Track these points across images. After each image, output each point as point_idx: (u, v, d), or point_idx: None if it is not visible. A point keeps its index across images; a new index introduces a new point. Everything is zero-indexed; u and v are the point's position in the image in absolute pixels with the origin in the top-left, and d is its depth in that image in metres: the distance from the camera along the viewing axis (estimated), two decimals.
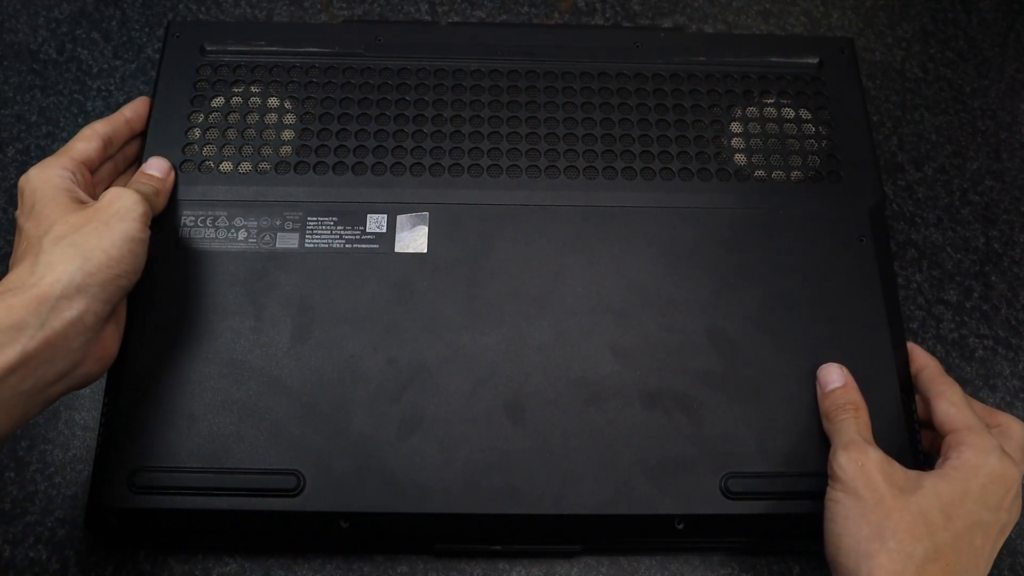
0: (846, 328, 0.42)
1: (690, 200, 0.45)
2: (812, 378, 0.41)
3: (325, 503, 0.38)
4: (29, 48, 0.58)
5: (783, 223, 0.45)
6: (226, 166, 0.45)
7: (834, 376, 0.41)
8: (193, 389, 0.40)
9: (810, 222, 0.45)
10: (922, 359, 0.43)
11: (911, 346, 0.43)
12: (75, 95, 0.56)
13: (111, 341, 0.39)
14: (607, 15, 0.61)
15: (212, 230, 0.43)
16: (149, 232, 0.40)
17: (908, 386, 0.42)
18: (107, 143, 0.44)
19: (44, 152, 0.54)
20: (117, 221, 0.38)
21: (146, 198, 0.41)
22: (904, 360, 0.42)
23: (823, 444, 0.40)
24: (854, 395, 0.40)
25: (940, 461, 0.38)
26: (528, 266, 0.43)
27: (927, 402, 0.41)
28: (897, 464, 0.37)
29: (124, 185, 0.45)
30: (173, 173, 0.44)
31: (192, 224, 0.43)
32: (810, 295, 0.43)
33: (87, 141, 0.43)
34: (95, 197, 0.43)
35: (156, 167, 0.44)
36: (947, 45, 0.62)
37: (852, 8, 0.63)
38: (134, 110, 0.46)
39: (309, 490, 0.38)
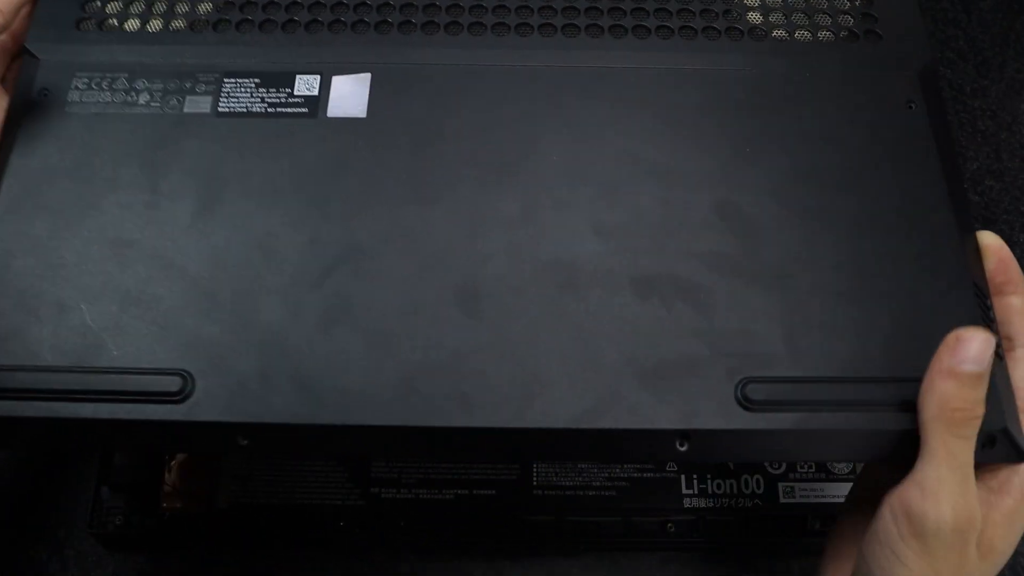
0: (895, 204, 0.34)
1: (693, 60, 0.37)
2: (854, 262, 0.33)
3: (217, 412, 0.30)
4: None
5: (810, 86, 0.37)
6: (132, 24, 0.38)
7: (974, 350, 0.28)
8: (64, 274, 0.33)
9: (844, 86, 0.37)
10: (1008, 271, 0.33)
11: (990, 236, 0.33)
12: None
13: None
14: None
15: (108, 93, 0.36)
16: None
17: (982, 280, 0.33)
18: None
19: None
20: None
21: None
22: (974, 247, 0.34)
23: (875, 345, 0.31)
24: (982, 392, 0.28)
25: None
26: (492, 132, 0.35)
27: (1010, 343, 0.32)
28: None
29: None
30: None
31: (84, 87, 0.36)
32: (847, 167, 0.35)
33: None
34: None
35: None
36: (947, 45, 0.62)
37: None
38: None
39: (199, 395, 0.30)
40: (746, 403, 0.30)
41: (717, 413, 0.30)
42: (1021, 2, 0.64)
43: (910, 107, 0.36)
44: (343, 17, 0.38)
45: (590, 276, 0.33)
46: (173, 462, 0.43)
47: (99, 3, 0.39)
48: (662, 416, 0.30)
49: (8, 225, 0.34)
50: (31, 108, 0.36)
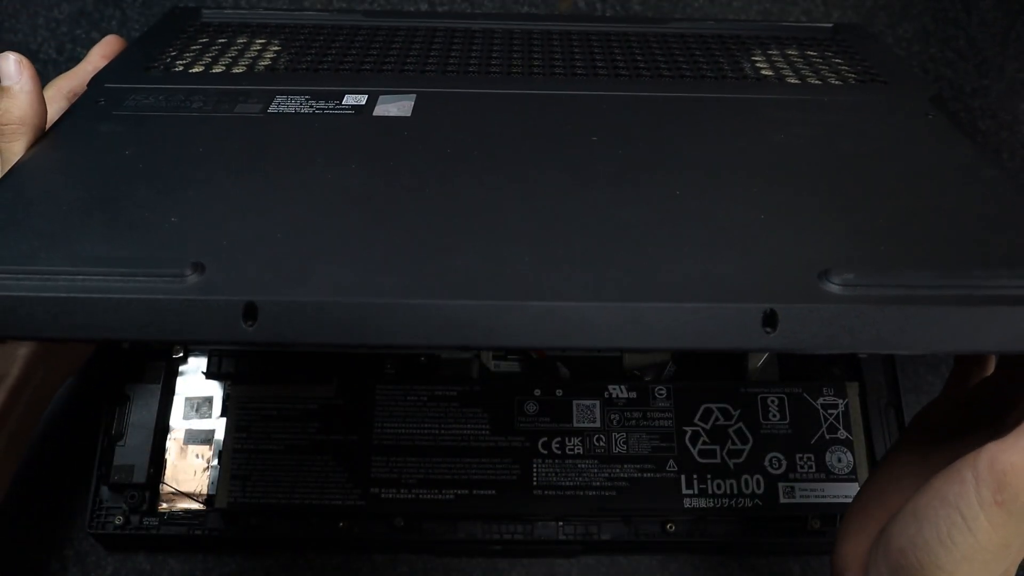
0: (943, 166, 0.34)
1: (716, 91, 0.40)
2: (917, 195, 0.32)
3: (224, 290, 0.27)
4: (29, 48, 0.58)
5: (833, 106, 0.38)
6: (197, 69, 0.41)
7: None
8: (83, 194, 0.31)
9: (863, 109, 0.38)
10: None
11: None
12: None
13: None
14: (607, 15, 0.61)
15: (163, 102, 0.37)
16: None
17: None
18: (72, 100, 0.39)
19: None
20: None
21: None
22: None
23: (958, 245, 0.30)
24: None
25: None
26: (537, 129, 0.36)
27: None
28: None
29: None
30: (26, 62, 0.35)
31: (140, 99, 0.37)
32: (886, 149, 0.35)
33: (53, 104, 0.38)
34: None
35: (4, 74, 0.35)
36: (947, 45, 0.61)
37: (852, 8, 0.63)
38: (104, 53, 0.41)
39: (206, 277, 0.27)
40: (838, 282, 0.27)
41: (807, 292, 0.28)
42: (1022, 2, 0.64)
43: (928, 116, 0.38)
44: (390, 66, 0.41)
45: (647, 205, 0.31)
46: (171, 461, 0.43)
47: (169, 60, 0.41)
48: (743, 292, 0.28)
49: (32, 164, 0.33)
50: (82, 107, 0.36)
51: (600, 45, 0.45)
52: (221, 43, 0.44)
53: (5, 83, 0.34)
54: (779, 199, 0.32)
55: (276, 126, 0.36)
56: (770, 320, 0.27)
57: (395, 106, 0.37)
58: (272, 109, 0.37)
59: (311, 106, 0.37)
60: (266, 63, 0.42)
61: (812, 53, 0.45)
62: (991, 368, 0.33)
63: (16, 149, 0.33)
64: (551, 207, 0.31)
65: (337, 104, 0.37)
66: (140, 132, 0.35)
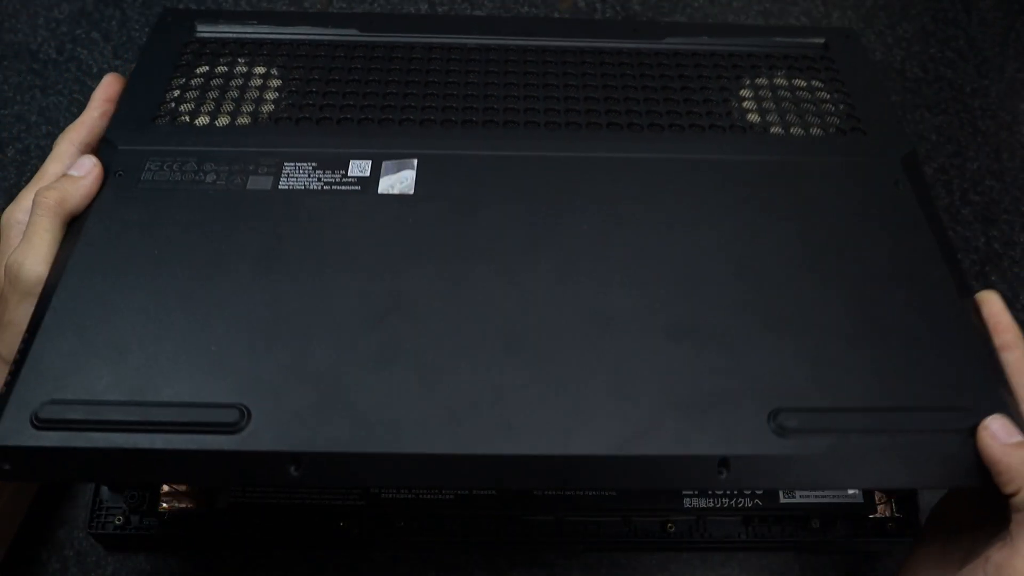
0: (893, 262, 0.38)
1: (704, 150, 0.42)
2: (866, 311, 0.36)
3: (270, 441, 0.31)
4: (29, 48, 0.58)
5: (809, 171, 0.42)
6: (202, 120, 0.43)
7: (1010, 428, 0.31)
8: (129, 319, 0.35)
9: (838, 170, 0.42)
10: (1006, 330, 0.35)
11: (991, 297, 0.36)
12: (75, 95, 0.56)
13: None
14: (607, 15, 0.62)
15: (178, 173, 0.40)
16: None
17: (984, 334, 0.36)
18: (85, 151, 0.41)
19: (44, 152, 0.54)
20: (21, 300, 0.37)
21: (56, 215, 0.38)
22: (972, 306, 0.37)
23: (891, 379, 0.34)
24: None
25: None
26: (530, 210, 0.39)
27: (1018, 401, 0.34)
28: None
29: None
30: (99, 169, 0.39)
31: (156, 168, 0.40)
32: (849, 234, 0.39)
33: (61, 161, 0.41)
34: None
35: (79, 166, 0.39)
36: (947, 45, 0.62)
37: (852, 8, 0.63)
38: (107, 96, 0.43)
39: (254, 426, 0.32)
40: (780, 430, 0.32)
41: (754, 440, 0.32)
42: (1021, 2, 0.64)
43: (896, 184, 0.42)
44: (391, 115, 0.43)
45: (625, 323, 0.35)
46: None
47: (172, 104, 0.43)
48: (702, 442, 0.32)
49: (77, 278, 0.36)
50: (107, 185, 0.39)
51: (593, 73, 0.46)
52: (221, 73, 0.44)
53: (74, 172, 0.39)
54: (740, 319, 0.36)
55: (288, 215, 0.39)
56: (724, 464, 0.32)
57: (397, 178, 0.40)
58: (282, 184, 0.40)
59: (319, 178, 0.40)
60: (269, 107, 0.43)
61: (800, 83, 0.46)
62: None
63: (45, 224, 0.37)
64: (539, 334, 0.35)
65: (343, 176, 0.40)
66: (165, 223, 0.38)
